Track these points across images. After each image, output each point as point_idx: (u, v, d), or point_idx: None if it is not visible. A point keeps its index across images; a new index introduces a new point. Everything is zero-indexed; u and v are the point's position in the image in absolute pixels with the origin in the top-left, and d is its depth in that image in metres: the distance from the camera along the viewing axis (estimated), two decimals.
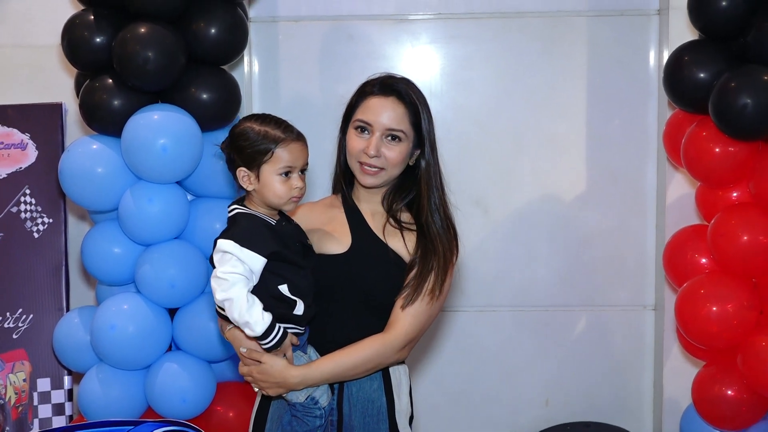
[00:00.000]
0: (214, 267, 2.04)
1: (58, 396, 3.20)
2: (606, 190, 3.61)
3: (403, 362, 2.29)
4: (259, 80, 3.62)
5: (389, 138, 2.22)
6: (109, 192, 2.96)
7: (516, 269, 3.65)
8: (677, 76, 2.97)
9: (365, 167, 2.23)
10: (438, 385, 3.70)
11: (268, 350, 2.06)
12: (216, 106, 3.00)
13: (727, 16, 2.84)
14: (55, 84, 3.46)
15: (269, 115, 2.13)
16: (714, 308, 2.89)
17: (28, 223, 3.23)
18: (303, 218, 2.27)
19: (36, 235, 3.23)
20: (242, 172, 2.09)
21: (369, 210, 2.31)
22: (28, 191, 3.24)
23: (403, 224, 2.27)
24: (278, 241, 2.06)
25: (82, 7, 3.00)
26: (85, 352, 3.05)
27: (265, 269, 2.03)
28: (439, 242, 2.22)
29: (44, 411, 3.19)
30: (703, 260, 3.05)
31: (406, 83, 2.27)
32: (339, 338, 2.18)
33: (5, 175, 3.24)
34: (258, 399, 2.28)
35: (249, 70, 3.58)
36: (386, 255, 2.22)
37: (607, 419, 3.60)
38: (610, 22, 3.55)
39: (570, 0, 3.56)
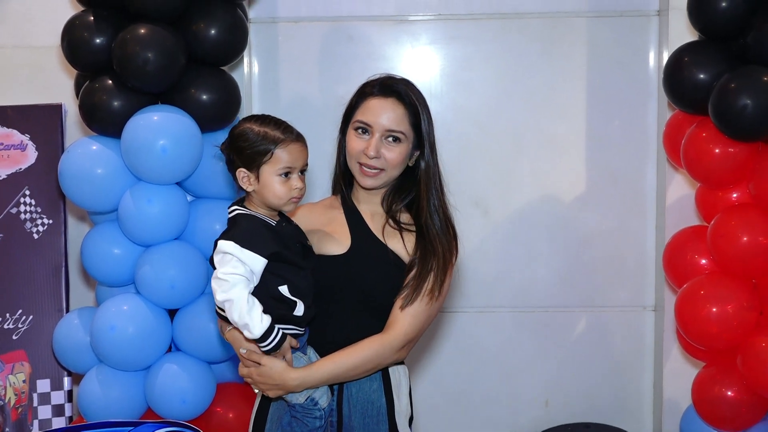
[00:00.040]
0: (214, 268, 2.04)
1: (57, 397, 3.20)
2: (606, 191, 3.61)
3: (402, 363, 2.29)
4: (258, 81, 3.62)
5: (389, 139, 2.22)
6: (108, 193, 2.96)
7: (516, 270, 3.65)
8: (677, 76, 2.97)
9: (365, 169, 2.23)
10: (438, 385, 3.69)
11: (267, 353, 2.06)
12: (216, 107, 3.00)
13: (726, 17, 2.84)
14: (55, 85, 3.46)
15: (269, 115, 2.12)
16: (714, 309, 2.89)
17: (28, 224, 3.22)
18: (303, 219, 2.27)
19: (36, 236, 3.23)
20: (242, 172, 2.09)
21: (368, 211, 2.31)
22: (27, 192, 3.23)
23: (403, 225, 2.27)
24: (278, 241, 2.06)
25: (82, 8, 3.00)
26: (85, 353, 3.04)
27: (265, 270, 2.03)
28: (438, 243, 2.22)
29: (44, 412, 3.19)
30: (703, 261, 3.05)
31: (406, 84, 2.27)
32: (339, 339, 2.18)
33: (5, 176, 3.23)
34: (258, 400, 2.28)
35: (249, 70, 3.57)
36: (386, 256, 2.22)
37: (607, 420, 3.60)
38: (610, 22, 3.55)
39: (570, 1, 3.56)
